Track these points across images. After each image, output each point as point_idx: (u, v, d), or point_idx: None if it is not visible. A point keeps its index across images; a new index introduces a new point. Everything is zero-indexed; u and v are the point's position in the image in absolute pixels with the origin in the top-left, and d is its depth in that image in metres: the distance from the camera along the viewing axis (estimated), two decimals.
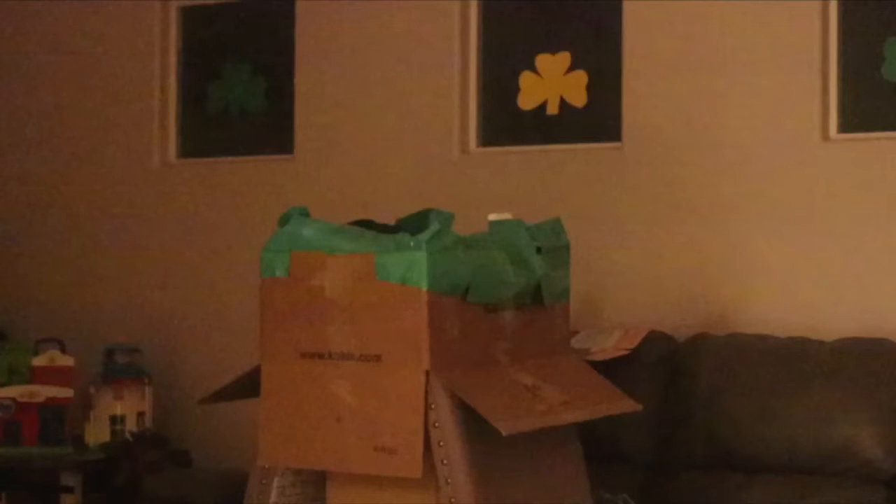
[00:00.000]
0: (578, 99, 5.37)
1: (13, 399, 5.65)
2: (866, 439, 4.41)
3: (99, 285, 6.24)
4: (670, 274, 5.09)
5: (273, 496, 3.82)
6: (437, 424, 3.49)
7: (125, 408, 5.70)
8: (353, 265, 3.61)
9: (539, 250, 3.88)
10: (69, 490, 5.53)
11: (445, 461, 3.50)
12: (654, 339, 4.83)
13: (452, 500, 3.51)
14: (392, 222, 3.99)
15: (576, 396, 3.81)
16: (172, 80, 6.21)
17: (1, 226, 6.47)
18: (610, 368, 4.39)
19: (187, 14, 6.23)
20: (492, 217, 4.00)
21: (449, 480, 3.50)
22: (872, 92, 4.93)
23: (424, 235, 3.53)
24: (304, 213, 3.77)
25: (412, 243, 3.54)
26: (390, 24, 5.62)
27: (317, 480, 3.86)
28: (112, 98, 6.25)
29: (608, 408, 3.96)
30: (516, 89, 5.47)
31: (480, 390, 3.57)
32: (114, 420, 5.68)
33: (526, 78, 5.46)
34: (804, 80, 4.93)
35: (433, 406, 3.50)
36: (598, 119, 5.34)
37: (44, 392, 5.67)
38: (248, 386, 3.85)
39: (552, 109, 5.41)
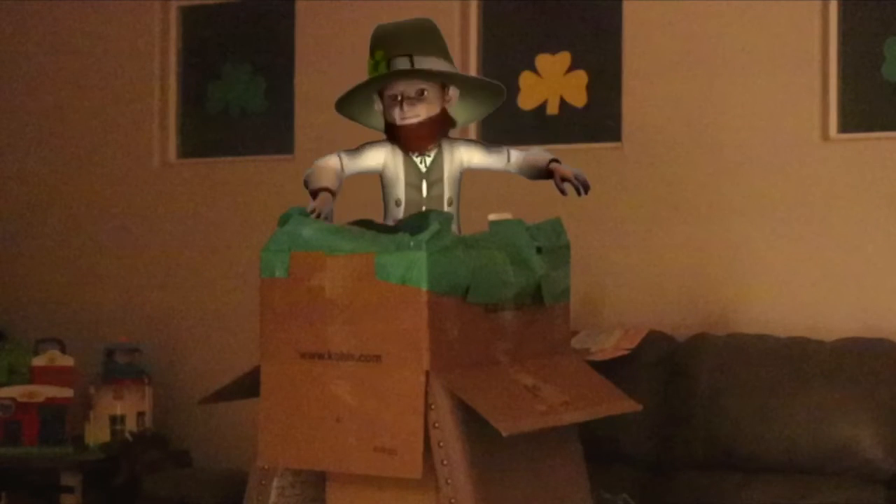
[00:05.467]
0: (578, 99, 5.38)
1: (13, 399, 5.65)
2: (866, 439, 4.42)
3: (99, 285, 6.24)
4: (670, 274, 5.09)
5: (272, 497, 3.82)
6: (437, 425, 3.49)
7: (125, 408, 5.70)
8: (353, 265, 3.61)
9: (539, 250, 3.87)
10: (69, 490, 5.54)
11: (445, 462, 3.50)
12: (654, 339, 4.83)
13: (452, 500, 3.50)
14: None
15: (576, 397, 3.81)
16: (172, 80, 6.22)
17: (1, 226, 6.48)
18: (610, 368, 4.39)
19: (187, 14, 6.24)
20: (492, 217, 3.99)
21: (449, 481, 3.50)
22: (872, 92, 4.93)
23: (424, 235, 3.53)
24: (304, 213, 3.77)
25: (412, 243, 3.53)
26: None
27: (316, 481, 3.85)
28: (112, 98, 6.25)
29: (608, 408, 3.95)
30: (516, 89, 5.47)
31: (480, 391, 3.57)
32: (114, 420, 5.68)
33: (526, 78, 5.46)
34: (804, 80, 4.93)
35: (433, 406, 3.50)
36: (598, 119, 5.34)
37: (44, 392, 5.67)
38: (248, 386, 3.84)
39: (552, 109, 5.41)
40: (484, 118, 5.46)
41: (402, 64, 3.71)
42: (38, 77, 6.43)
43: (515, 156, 3.92)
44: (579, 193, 3.84)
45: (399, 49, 3.73)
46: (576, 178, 3.82)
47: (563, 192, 3.86)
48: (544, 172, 3.89)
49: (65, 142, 6.36)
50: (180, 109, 6.23)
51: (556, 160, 3.87)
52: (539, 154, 3.92)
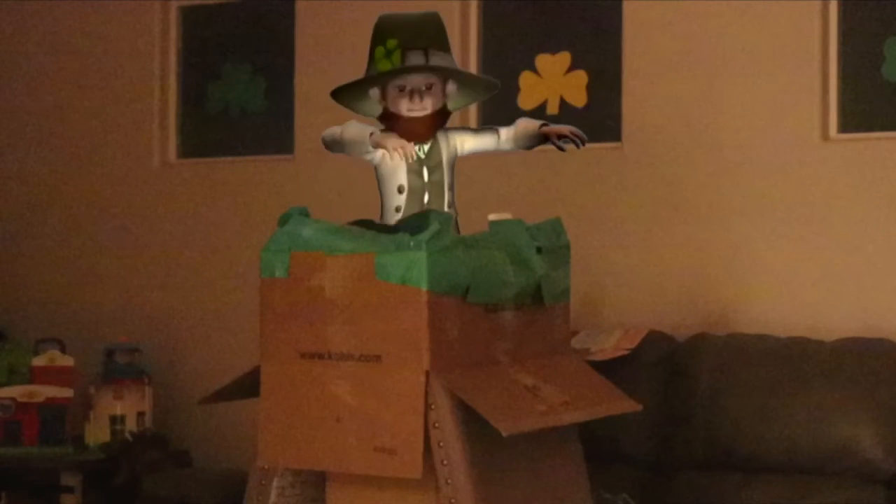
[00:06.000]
0: (578, 99, 5.38)
1: (13, 399, 5.65)
2: (866, 439, 4.42)
3: (99, 285, 6.24)
4: (670, 274, 5.09)
5: (272, 497, 3.82)
6: (437, 425, 3.49)
7: (125, 408, 5.70)
8: (353, 265, 3.61)
9: (539, 250, 3.87)
10: (69, 490, 5.54)
11: (445, 462, 3.50)
12: (654, 339, 4.83)
13: (452, 500, 3.50)
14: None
15: (576, 396, 3.81)
16: (172, 80, 6.22)
17: (1, 226, 6.48)
18: (610, 368, 4.39)
19: (187, 14, 6.24)
20: (492, 217, 4.00)
21: (449, 481, 3.50)
22: (872, 92, 4.93)
23: (424, 235, 3.53)
24: (304, 213, 3.77)
25: (412, 243, 3.53)
26: None
27: (316, 481, 3.85)
28: (112, 98, 6.25)
29: (608, 408, 3.95)
30: (516, 89, 5.47)
31: (480, 391, 3.57)
32: (114, 420, 5.68)
33: (526, 78, 5.46)
34: (804, 80, 4.93)
35: (433, 406, 3.50)
36: (598, 119, 5.34)
37: (44, 392, 5.67)
38: (248, 386, 3.84)
39: (552, 109, 5.41)
40: (485, 119, 5.52)
41: (416, 57, 3.77)
42: (38, 77, 6.43)
43: (505, 132, 3.99)
44: (578, 146, 3.87)
45: (414, 42, 3.77)
46: (571, 133, 3.87)
47: (561, 148, 3.91)
48: (538, 137, 3.94)
49: (65, 142, 6.36)
50: (180, 109, 6.23)
51: (546, 123, 3.92)
52: (528, 122, 3.97)
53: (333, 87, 3.97)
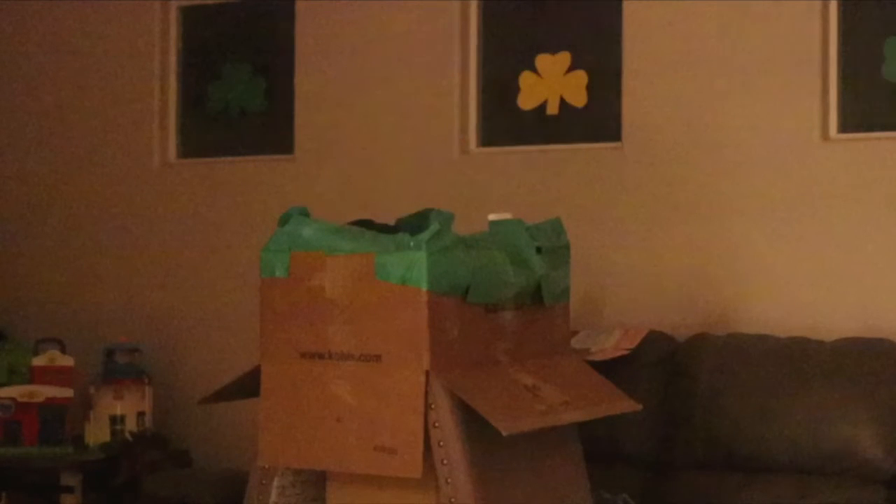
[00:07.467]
0: (578, 99, 5.37)
1: (13, 399, 5.65)
2: (866, 439, 4.41)
3: (99, 285, 6.24)
4: (670, 274, 5.09)
5: (273, 496, 3.82)
6: (437, 424, 3.49)
7: (125, 408, 5.70)
8: (353, 265, 3.61)
9: (539, 250, 3.88)
10: (69, 490, 5.53)
11: (445, 461, 3.50)
12: (654, 339, 4.83)
13: (452, 500, 3.51)
14: (392, 222, 3.99)
15: (576, 396, 3.81)
16: (172, 80, 6.21)
17: (1, 226, 6.48)
18: (610, 368, 4.39)
19: (187, 14, 6.23)
20: (492, 217, 4.00)
21: (449, 480, 3.51)
22: (872, 92, 4.93)
23: (424, 235, 3.54)
24: (304, 213, 3.78)
25: (412, 243, 3.54)
26: (390, 24, 5.63)
27: (317, 480, 3.86)
28: (112, 98, 6.25)
29: (608, 408, 3.96)
30: (516, 89, 5.47)
31: (480, 390, 3.57)
32: (114, 420, 5.67)
33: (526, 78, 5.46)
34: (804, 80, 4.93)
35: (433, 406, 3.50)
36: (598, 119, 5.34)
37: (44, 392, 5.66)
38: (248, 386, 3.85)
39: (552, 109, 5.41)
40: (484, 119, 5.53)
41: None
42: (38, 77, 6.43)
43: None
44: None
45: None
46: None
47: None
48: None
49: (65, 142, 6.36)
50: (180, 109, 6.23)
51: None
52: None
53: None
